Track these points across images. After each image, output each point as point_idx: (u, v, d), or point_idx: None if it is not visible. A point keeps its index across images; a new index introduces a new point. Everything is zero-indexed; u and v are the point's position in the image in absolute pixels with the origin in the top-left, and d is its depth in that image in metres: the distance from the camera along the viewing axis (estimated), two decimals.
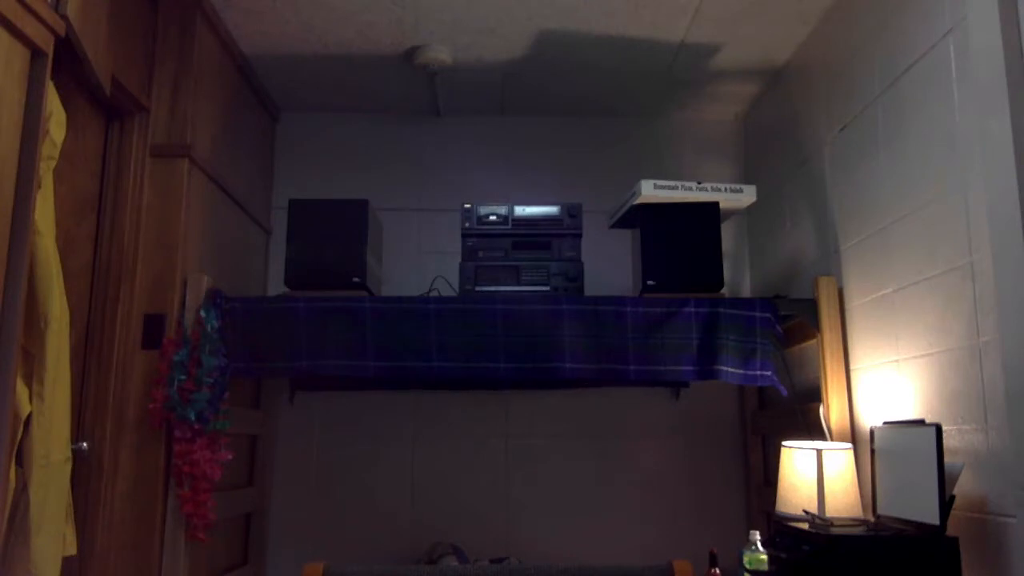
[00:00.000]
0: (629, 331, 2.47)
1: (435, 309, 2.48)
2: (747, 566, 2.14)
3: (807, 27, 2.82)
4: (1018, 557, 1.73)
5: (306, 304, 2.46)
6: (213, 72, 2.75)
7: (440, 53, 2.95)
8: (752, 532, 2.20)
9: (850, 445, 2.33)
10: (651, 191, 2.67)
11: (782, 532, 2.14)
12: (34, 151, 1.73)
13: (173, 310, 2.41)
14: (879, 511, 2.10)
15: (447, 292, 2.95)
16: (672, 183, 2.71)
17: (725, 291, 2.69)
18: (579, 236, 2.74)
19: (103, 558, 2.21)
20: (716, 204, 2.70)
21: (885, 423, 2.16)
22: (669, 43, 2.92)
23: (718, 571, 2.16)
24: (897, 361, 2.22)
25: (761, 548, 2.15)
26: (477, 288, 2.67)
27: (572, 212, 2.76)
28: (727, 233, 3.16)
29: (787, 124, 3.07)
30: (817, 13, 2.73)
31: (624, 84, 3.25)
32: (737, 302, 2.57)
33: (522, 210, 2.76)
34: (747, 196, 2.78)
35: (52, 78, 1.81)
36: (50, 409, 1.84)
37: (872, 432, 2.18)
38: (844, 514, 2.18)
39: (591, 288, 2.73)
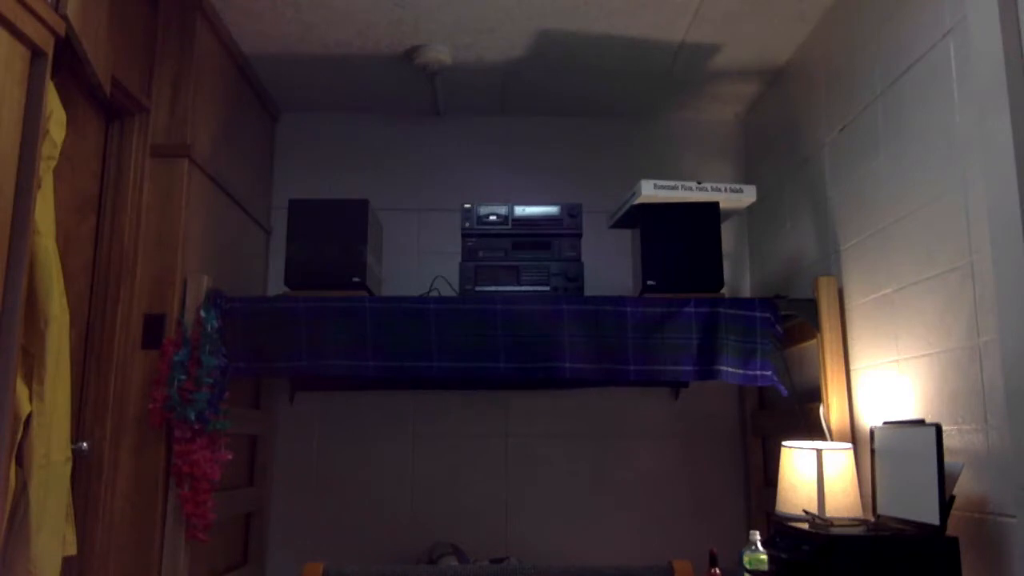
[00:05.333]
0: (629, 331, 2.47)
1: (435, 309, 2.48)
2: (747, 566, 2.14)
3: (807, 27, 2.82)
4: (1018, 557, 1.73)
5: (306, 304, 2.46)
6: (213, 72, 2.75)
7: (440, 53, 2.95)
8: (752, 532, 2.20)
9: (850, 445, 2.33)
10: (651, 191, 2.67)
11: (782, 532, 2.14)
12: (34, 151, 1.73)
13: (173, 310, 2.41)
14: (879, 511, 2.10)
15: (447, 292, 2.95)
16: (672, 183, 2.71)
17: (725, 291, 2.68)
18: (579, 236, 2.74)
19: (103, 558, 2.21)
20: (716, 204, 2.70)
21: (885, 423, 2.16)
22: (669, 43, 2.92)
23: (718, 571, 2.16)
24: (897, 361, 2.22)
25: (761, 548, 2.15)
26: (477, 288, 2.67)
27: (572, 212, 2.76)
28: (727, 233, 3.15)
29: (787, 124, 3.07)
30: (817, 13, 2.73)
31: (624, 84, 3.25)
32: (737, 302, 2.56)
33: (522, 210, 2.76)
34: (747, 196, 2.79)
35: (52, 78, 1.82)
36: (50, 409, 1.84)
37: (872, 432, 2.18)
38: (844, 514, 2.18)
39: (591, 288, 2.72)
